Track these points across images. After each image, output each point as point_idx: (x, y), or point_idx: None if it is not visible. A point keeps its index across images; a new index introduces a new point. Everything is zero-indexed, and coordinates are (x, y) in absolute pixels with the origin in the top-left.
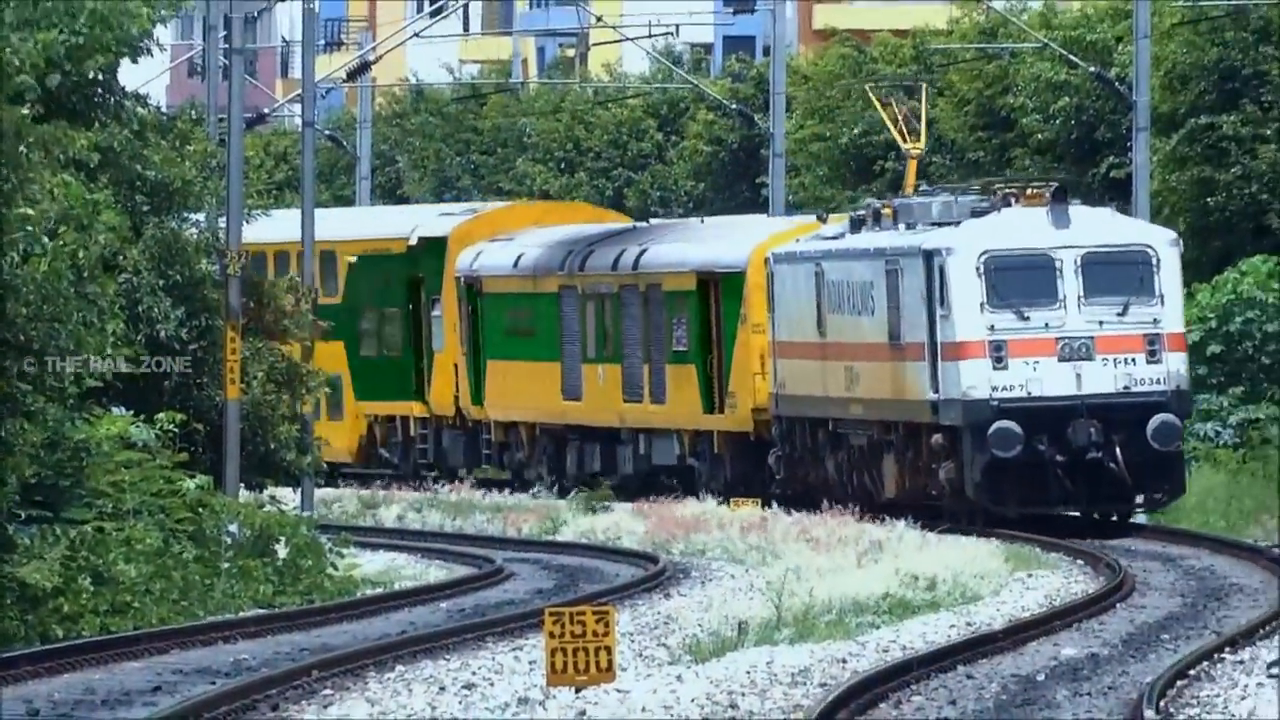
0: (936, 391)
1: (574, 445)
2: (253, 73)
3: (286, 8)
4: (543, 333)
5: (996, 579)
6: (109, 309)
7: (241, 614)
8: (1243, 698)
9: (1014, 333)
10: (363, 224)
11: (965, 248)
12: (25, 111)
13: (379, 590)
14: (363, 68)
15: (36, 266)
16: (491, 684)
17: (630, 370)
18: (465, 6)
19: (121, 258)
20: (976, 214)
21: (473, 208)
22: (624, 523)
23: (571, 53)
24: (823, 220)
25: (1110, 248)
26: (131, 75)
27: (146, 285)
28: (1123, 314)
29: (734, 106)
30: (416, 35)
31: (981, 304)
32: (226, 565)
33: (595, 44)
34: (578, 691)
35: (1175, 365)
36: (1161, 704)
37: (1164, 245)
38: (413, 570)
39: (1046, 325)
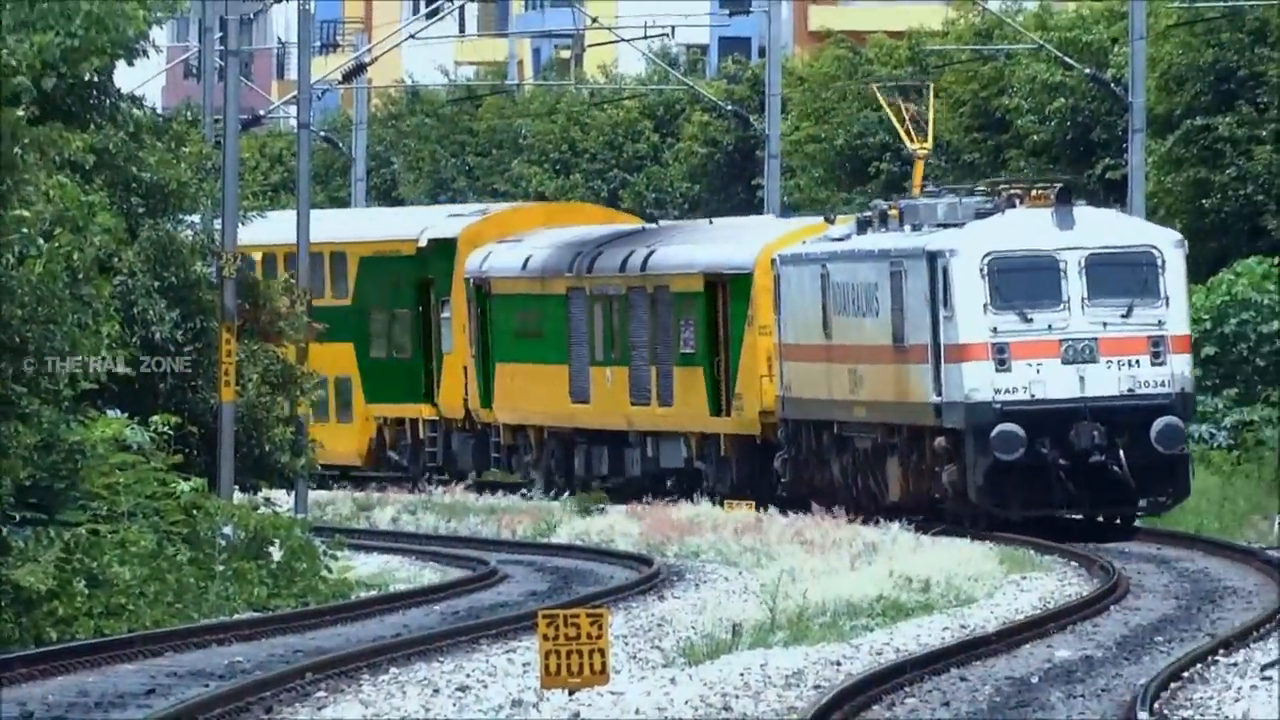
0: (939, 394)
1: (582, 448)
2: (248, 74)
3: (282, 9)
4: (551, 335)
5: (990, 581)
6: (104, 311)
7: (236, 616)
8: (1236, 699)
9: (1017, 334)
10: (372, 225)
11: (968, 249)
12: (21, 113)
13: (373, 592)
14: (358, 69)
15: (32, 268)
16: (485, 686)
17: (638, 373)
18: (461, 8)
19: (117, 259)
20: (981, 215)
21: (482, 209)
22: (618, 525)
23: (567, 54)
24: (830, 221)
25: (1114, 249)
26: (127, 77)
27: (141, 287)
28: (1127, 316)
29: (729, 108)
30: (412, 37)
31: (984, 305)
32: (221, 568)
33: (591, 45)
34: (571, 694)
35: (1180, 367)
36: (1155, 706)
37: (1169, 246)
38: (407, 572)
39: (1050, 327)
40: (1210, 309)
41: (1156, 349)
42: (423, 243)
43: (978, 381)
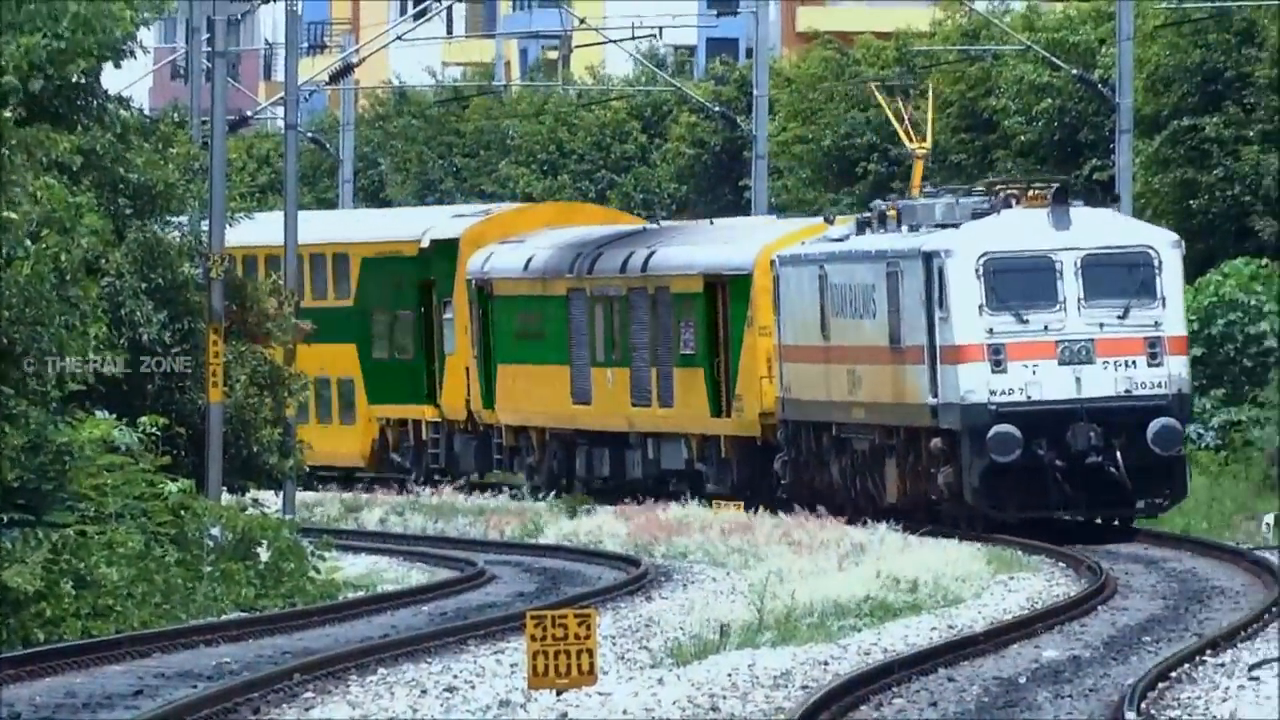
0: (935, 395)
1: (583, 450)
2: (235, 75)
3: (269, 10)
4: (552, 336)
5: (978, 581)
6: (91, 312)
7: (223, 617)
8: (1224, 699)
9: (1013, 335)
10: (375, 226)
11: (964, 249)
12: (8, 114)
13: (361, 593)
14: (345, 70)
15: (19, 270)
16: (473, 687)
17: (638, 374)
18: (448, 9)
19: (104, 261)
20: (977, 215)
21: (485, 209)
22: (606, 525)
23: (554, 55)
24: (829, 222)
25: (1111, 249)
26: (114, 78)
27: (129, 288)
28: (1123, 316)
29: (717, 109)
30: (399, 38)
31: (980, 306)
32: (208, 568)
33: (578, 46)
34: (559, 694)
35: (1177, 368)
36: (1143, 706)
37: (1165, 247)
38: (394, 573)
39: (1046, 328)
40: (1198, 310)
41: (1153, 350)
42: (425, 243)
43: (973, 383)
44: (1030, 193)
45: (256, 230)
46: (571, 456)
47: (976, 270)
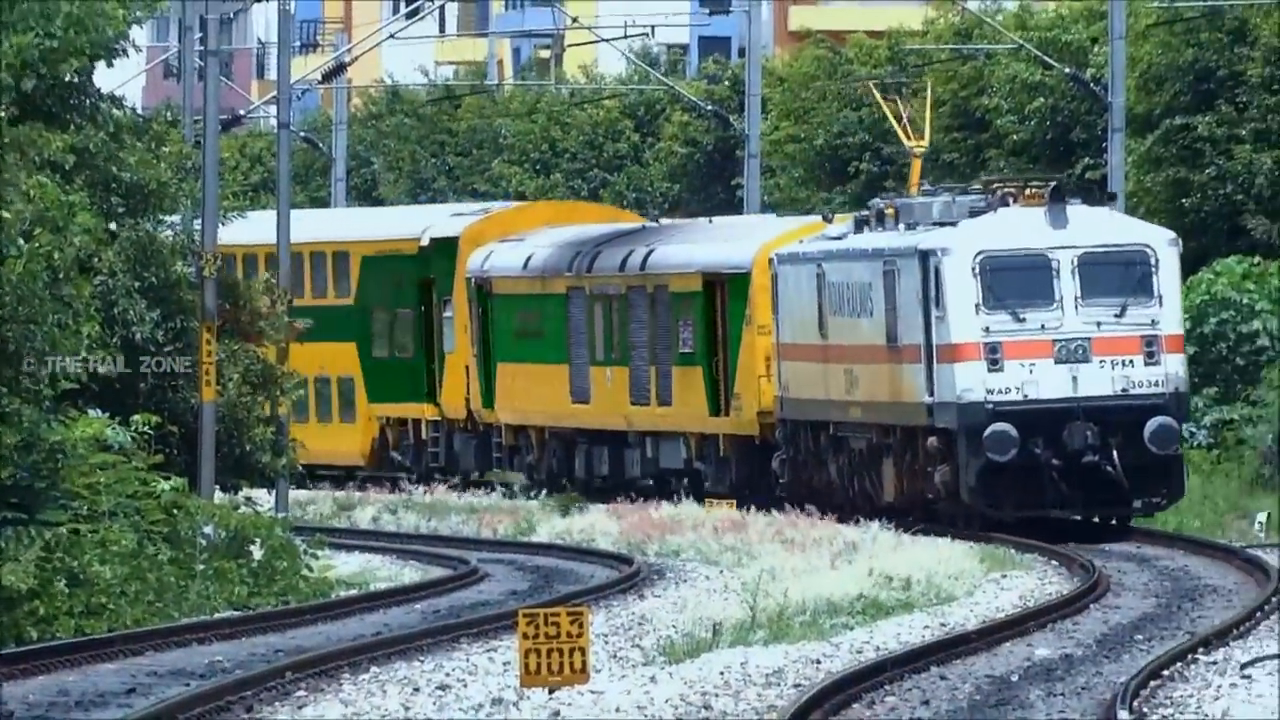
0: (932, 394)
1: (582, 449)
2: (228, 74)
3: (262, 9)
4: (551, 335)
5: (970, 579)
6: (84, 311)
7: (216, 615)
8: (1216, 698)
9: (1009, 334)
10: (375, 224)
11: (961, 248)
12: (1, 114)
13: (354, 591)
14: (338, 69)
15: (12, 268)
16: (465, 685)
17: (637, 373)
18: (441, 8)
19: (97, 259)
20: (974, 214)
21: (485, 207)
22: (599, 524)
23: (547, 54)
24: (828, 220)
25: (1108, 248)
26: (107, 77)
27: (122, 287)
28: (1120, 315)
29: (709, 108)
30: (392, 37)
31: (977, 305)
32: (201, 567)
33: (571, 45)
34: (551, 692)
35: (1174, 367)
36: (1135, 704)
37: (1163, 245)
38: (387, 571)
39: (1043, 327)
40: (1190, 308)
41: (1150, 349)
42: (425, 242)
43: (970, 382)
44: (1027, 191)
45: (256, 229)
46: (571, 456)
47: (973, 269)
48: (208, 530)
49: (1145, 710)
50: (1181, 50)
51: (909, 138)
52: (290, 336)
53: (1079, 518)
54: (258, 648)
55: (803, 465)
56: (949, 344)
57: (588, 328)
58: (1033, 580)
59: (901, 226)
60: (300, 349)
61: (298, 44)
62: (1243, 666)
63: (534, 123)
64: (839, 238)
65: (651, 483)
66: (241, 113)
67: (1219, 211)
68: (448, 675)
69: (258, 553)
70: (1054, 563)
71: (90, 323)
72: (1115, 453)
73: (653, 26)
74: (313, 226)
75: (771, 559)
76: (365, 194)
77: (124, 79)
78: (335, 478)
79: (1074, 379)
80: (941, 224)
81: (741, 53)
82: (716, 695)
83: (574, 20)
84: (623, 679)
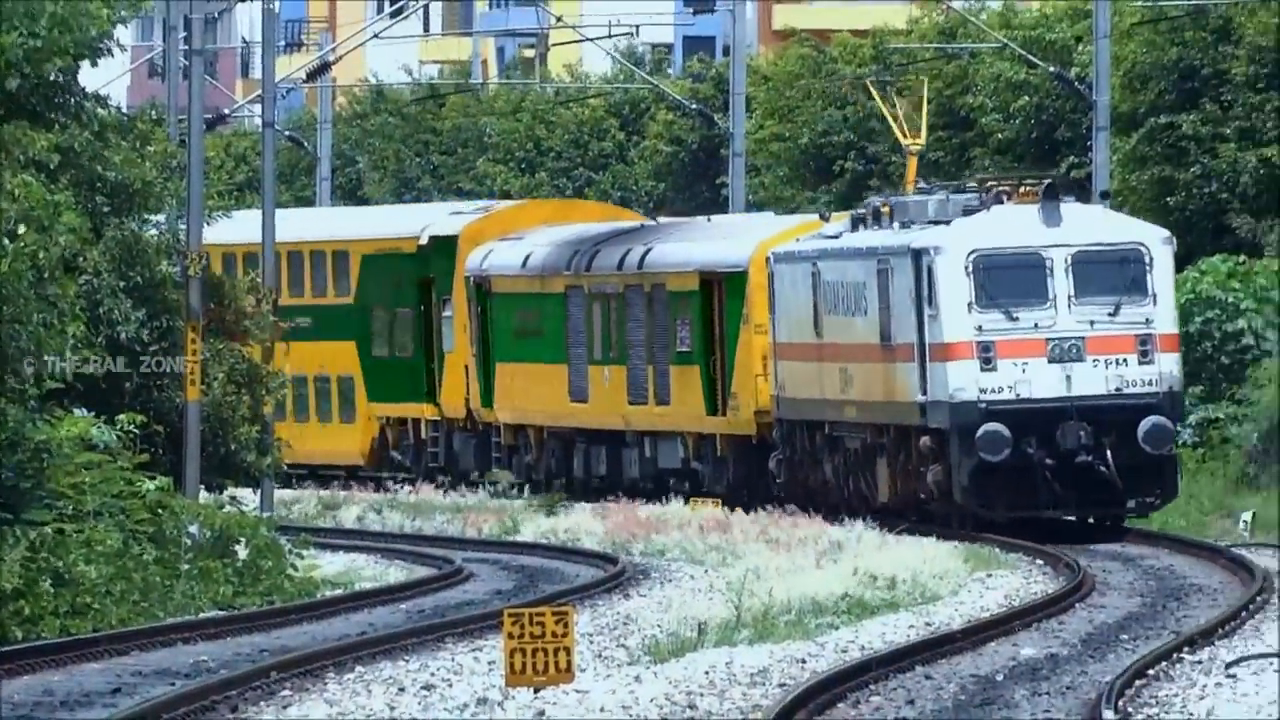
0: (925, 393)
1: (581, 449)
2: (213, 73)
3: (247, 8)
4: (550, 334)
5: (955, 579)
6: (69, 310)
7: (201, 615)
8: (1201, 697)
9: (1003, 333)
10: (374, 223)
11: (953, 247)
12: None
13: (339, 591)
14: (323, 68)
15: None
16: (450, 685)
17: (635, 372)
18: (425, 7)
19: (82, 259)
20: (968, 212)
21: (484, 206)
22: (583, 523)
23: (531, 53)
24: (824, 219)
25: (1102, 246)
26: (92, 76)
27: (107, 287)
28: (1114, 314)
29: (694, 106)
30: (376, 36)
31: (969, 304)
32: (186, 566)
33: (555, 44)
34: (536, 692)
35: (1168, 366)
36: (1120, 704)
37: (1156, 244)
38: (372, 571)
39: (1036, 325)
40: (1176, 307)
41: (1144, 348)
42: (424, 240)
43: (963, 381)
44: (1021, 189)
45: (255, 229)
46: (570, 455)
47: (965, 267)
48: (193, 530)
49: (1130, 710)
50: (1166, 49)
51: (905, 135)
52: (275, 336)
53: (1072, 518)
54: (243, 647)
55: (799, 465)
56: (941, 343)
57: (586, 327)
58: (1018, 580)
59: (896, 225)
60: (300, 348)
61: (282, 43)
62: (1228, 666)
63: (519, 122)
64: (835, 236)
65: (649, 483)
66: (226, 112)
67: (1204, 210)
68: (433, 675)
69: (243, 552)
70: (1039, 562)
71: (76, 322)
72: (1109, 453)
73: (637, 26)
74: (312, 225)
75: (757, 558)
76: (350, 193)
77: (109, 78)
78: (335, 478)
79: (1067, 378)
80: (936, 222)
81: (726, 51)
82: (701, 695)
83: (558, 19)
84: (608, 679)
